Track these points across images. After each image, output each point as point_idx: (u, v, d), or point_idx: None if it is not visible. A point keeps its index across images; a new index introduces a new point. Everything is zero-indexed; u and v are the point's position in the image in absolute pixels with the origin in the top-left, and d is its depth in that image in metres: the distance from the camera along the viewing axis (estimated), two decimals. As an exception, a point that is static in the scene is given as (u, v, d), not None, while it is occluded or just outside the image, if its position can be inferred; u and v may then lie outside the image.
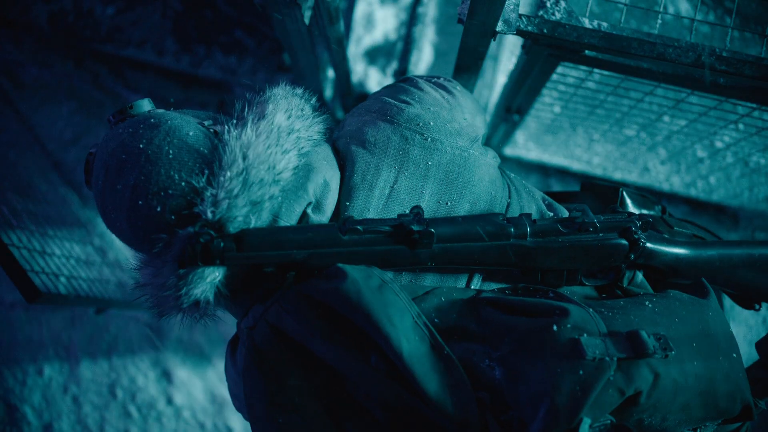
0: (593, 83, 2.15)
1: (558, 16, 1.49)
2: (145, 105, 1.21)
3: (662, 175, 2.91)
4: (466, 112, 1.37)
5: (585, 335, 1.02)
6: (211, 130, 1.16)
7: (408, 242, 1.13)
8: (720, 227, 3.04)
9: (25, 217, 2.53)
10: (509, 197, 1.31)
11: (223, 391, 3.02)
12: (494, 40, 1.56)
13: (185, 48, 3.13)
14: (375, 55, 3.11)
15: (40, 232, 2.52)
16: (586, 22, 1.49)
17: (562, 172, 3.02)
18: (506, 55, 2.94)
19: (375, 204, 1.23)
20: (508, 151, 2.95)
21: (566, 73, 2.04)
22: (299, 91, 1.33)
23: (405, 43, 2.80)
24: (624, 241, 1.24)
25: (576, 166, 2.96)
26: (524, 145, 2.96)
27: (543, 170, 3.03)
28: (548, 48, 1.62)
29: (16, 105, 3.15)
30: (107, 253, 3.03)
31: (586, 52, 1.58)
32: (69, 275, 2.39)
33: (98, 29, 3.16)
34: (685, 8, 3.03)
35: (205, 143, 1.13)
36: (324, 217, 1.21)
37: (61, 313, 3.08)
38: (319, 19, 1.82)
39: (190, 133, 1.13)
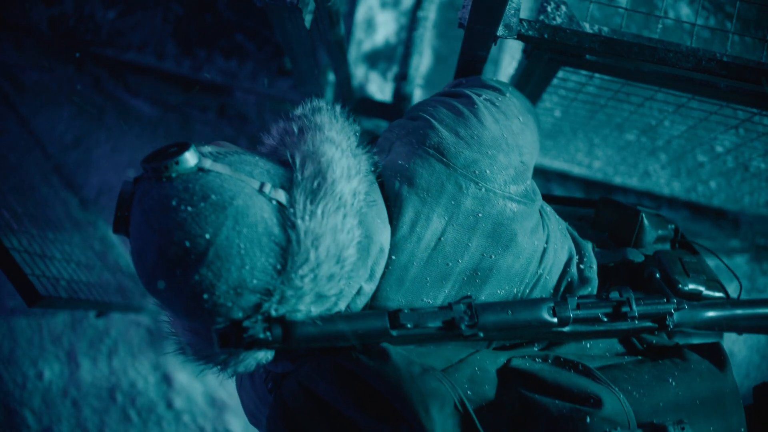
0: (594, 88, 2.15)
1: (559, 20, 1.49)
2: (191, 159, 1.00)
3: (663, 180, 2.91)
4: (525, 152, 1.29)
5: (618, 429, 1.05)
6: (274, 202, 1.02)
7: (456, 337, 1.12)
8: (720, 232, 3.04)
9: (26, 220, 2.53)
10: (546, 242, 1.28)
11: (223, 394, 3.02)
12: (495, 45, 1.56)
13: (186, 52, 3.13)
14: (376, 59, 3.11)
15: (40, 236, 2.52)
16: (587, 27, 1.49)
17: (563, 176, 3.02)
18: (507, 60, 2.94)
19: (420, 256, 1.18)
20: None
21: (567, 77, 2.04)
22: (343, 116, 1.23)
23: (405, 47, 2.80)
24: (655, 324, 1.25)
25: (576, 170, 2.96)
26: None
27: (543, 174, 3.03)
28: (549, 52, 1.62)
29: (17, 108, 3.16)
30: (107, 256, 3.03)
31: (587, 56, 1.58)
32: (69, 279, 2.39)
33: (99, 33, 3.16)
34: (685, 13, 3.03)
35: (274, 231, 1.00)
36: (374, 283, 1.15)
37: (61, 317, 3.07)
38: (320, 23, 1.82)
39: (259, 219, 0.99)
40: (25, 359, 3.06)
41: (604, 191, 3.03)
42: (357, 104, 2.79)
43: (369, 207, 1.12)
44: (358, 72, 3.10)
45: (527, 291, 1.27)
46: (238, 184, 1.00)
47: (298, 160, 1.08)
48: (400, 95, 2.70)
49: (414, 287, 1.19)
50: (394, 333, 1.08)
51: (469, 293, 1.21)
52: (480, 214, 1.19)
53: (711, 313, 1.32)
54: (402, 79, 2.71)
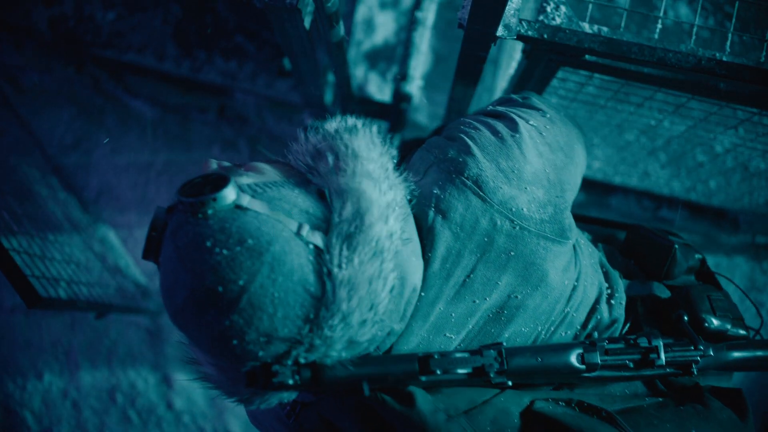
0: (593, 88, 2.15)
1: (558, 20, 1.49)
2: (230, 195, 0.96)
3: (662, 180, 2.91)
4: (567, 188, 1.24)
5: None
6: (311, 246, 0.98)
7: (484, 383, 1.11)
8: (720, 232, 3.04)
9: (26, 221, 2.53)
10: (576, 280, 1.26)
11: (223, 395, 3.02)
12: (494, 45, 1.57)
13: (186, 53, 3.14)
14: (375, 59, 3.11)
15: (40, 237, 2.52)
16: (587, 27, 1.49)
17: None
18: (506, 60, 2.94)
19: (447, 293, 1.15)
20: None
21: (566, 77, 2.04)
22: (381, 140, 1.16)
23: (405, 48, 2.80)
24: (680, 371, 1.26)
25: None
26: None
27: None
28: (548, 53, 1.62)
29: (17, 109, 3.16)
30: (107, 258, 3.03)
31: (587, 56, 1.58)
32: (69, 280, 2.39)
33: (99, 34, 3.16)
34: (684, 13, 3.04)
35: (309, 280, 0.96)
36: (404, 323, 1.12)
37: (60, 318, 3.08)
38: (319, 24, 1.83)
39: (296, 267, 0.95)
40: (24, 360, 3.06)
41: (603, 191, 3.03)
42: (357, 105, 2.79)
43: (405, 245, 1.08)
44: (358, 72, 3.10)
45: (552, 329, 1.25)
46: (276, 226, 0.96)
47: (335, 199, 1.04)
48: (400, 95, 2.70)
49: (438, 323, 1.16)
50: (423, 378, 1.07)
51: (492, 330, 1.20)
52: (512, 253, 1.16)
53: (735, 354, 1.32)
54: (401, 79, 2.71)
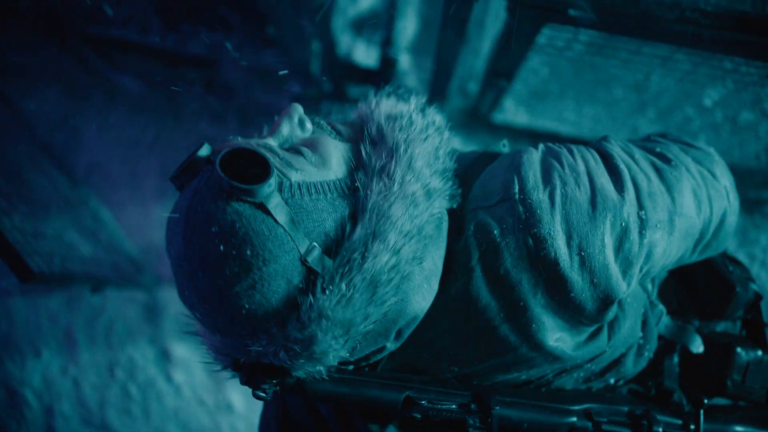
0: (581, 45, 2.14)
1: (540, -25, 1.49)
2: (265, 191, 0.91)
3: (652, 136, 2.90)
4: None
5: None
6: (306, 268, 0.95)
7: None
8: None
9: (16, 199, 2.52)
10: (606, 347, 1.21)
11: (222, 367, 3.03)
12: (477, 1, 1.56)
13: (170, 26, 3.10)
14: (361, 26, 3.09)
15: (31, 214, 2.51)
16: (569, -19, 1.48)
17: (553, 137, 3.01)
18: (492, 22, 2.93)
19: (459, 334, 1.12)
20: (498, 117, 2.94)
21: (553, 35, 2.04)
22: (445, 135, 1.12)
23: (389, 13, 2.78)
24: None
25: (566, 130, 2.95)
26: (514, 111, 2.95)
27: (533, 136, 3.03)
28: (533, 9, 1.61)
29: (2, 89, 3.13)
30: (100, 234, 3.02)
31: (570, 12, 1.58)
32: (62, 256, 2.38)
33: (81, 10, 3.13)
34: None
35: (291, 296, 0.94)
36: (400, 343, 1.07)
37: (57, 296, 3.08)
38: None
39: (281, 290, 0.92)
40: (23, 339, 3.07)
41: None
42: (343, 71, 2.77)
43: (418, 266, 1.01)
44: (344, 40, 3.08)
45: (563, 374, 1.24)
46: (285, 246, 0.92)
47: (359, 216, 0.99)
48: (386, 60, 2.69)
49: (440, 353, 1.14)
50: (405, 414, 1.08)
51: (497, 374, 1.18)
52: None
53: (738, 429, 1.32)
54: (387, 44, 2.69)
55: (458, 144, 2.84)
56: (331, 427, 1.22)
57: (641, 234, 1.06)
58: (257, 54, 3.06)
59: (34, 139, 3.09)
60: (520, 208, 1.04)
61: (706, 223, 1.16)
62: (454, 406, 1.09)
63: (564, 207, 1.04)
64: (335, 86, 2.79)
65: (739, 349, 1.35)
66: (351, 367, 1.11)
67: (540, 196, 1.04)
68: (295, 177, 0.97)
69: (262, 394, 1.00)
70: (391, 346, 1.06)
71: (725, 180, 1.23)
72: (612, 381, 1.31)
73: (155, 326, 3.06)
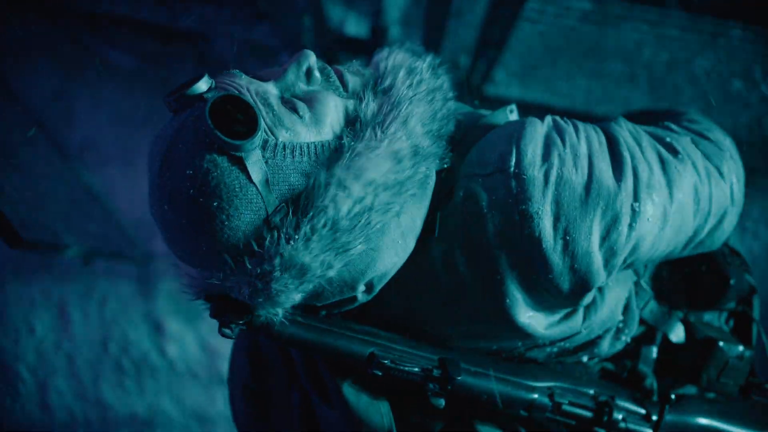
0: (573, 17, 2.14)
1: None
2: (248, 147, 0.90)
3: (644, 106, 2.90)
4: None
5: None
6: (270, 224, 0.94)
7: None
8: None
9: (8, 171, 2.51)
10: (581, 327, 1.21)
11: (215, 341, 3.04)
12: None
13: (162, 0, 3.10)
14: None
15: (23, 187, 2.51)
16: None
17: (545, 110, 3.00)
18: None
19: (433, 297, 1.13)
20: (491, 89, 2.94)
21: (543, 8, 2.03)
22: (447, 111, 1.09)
23: (380, -17, 2.78)
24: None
25: (558, 102, 2.95)
26: (506, 84, 2.94)
27: (525, 108, 3.02)
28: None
29: (-7, 66, 3.13)
30: (92, 209, 3.02)
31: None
32: (54, 227, 2.38)
33: (72, -16, 3.12)
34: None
35: (251, 241, 0.94)
36: (371, 295, 1.08)
37: (50, 272, 3.08)
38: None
39: (240, 239, 0.93)
40: (16, 315, 3.07)
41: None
42: (335, 43, 2.77)
43: (394, 221, 1.01)
44: (335, 12, 3.06)
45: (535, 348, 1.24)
46: (252, 204, 0.92)
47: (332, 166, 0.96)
48: (377, 30, 2.69)
49: (419, 310, 1.15)
50: (368, 370, 1.08)
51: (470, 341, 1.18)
52: None
53: (701, 420, 1.31)
54: (377, 13, 2.69)
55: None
56: (297, 368, 1.23)
57: (631, 226, 1.04)
58: (249, 28, 3.05)
59: (26, 114, 3.08)
60: (513, 183, 1.02)
61: (702, 221, 1.14)
62: (417, 369, 1.08)
63: (557, 188, 1.02)
64: (327, 59, 2.78)
65: (722, 344, 1.33)
66: (324, 312, 1.11)
67: (535, 173, 1.01)
68: (282, 136, 0.95)
69: (228, 332, 1.00)
70: (362, 297, 1.06)
71: (733, 177, 1.19)
72: (585, 359, 1.30)
73: (148, 301, 3.07)
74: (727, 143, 1.24)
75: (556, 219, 1.01)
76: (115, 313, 3.07)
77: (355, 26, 3.04)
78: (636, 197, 1.04)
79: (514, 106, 1.25)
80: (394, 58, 1.10)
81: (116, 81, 3.15)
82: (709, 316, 1.43)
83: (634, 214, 1.04)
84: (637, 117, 1.47)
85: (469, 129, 1.18)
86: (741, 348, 1.34)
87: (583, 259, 1.03)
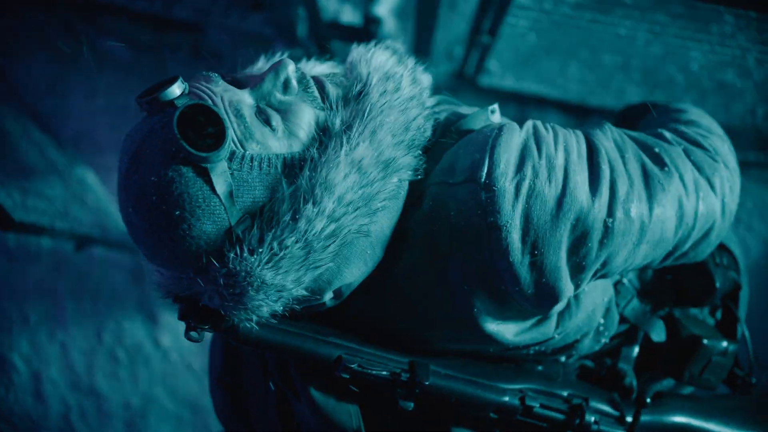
0: (567, 7, 2.15)
1: None
2: (214, 159, 0.89)
3: (638, 98, 2.91)
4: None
5: None
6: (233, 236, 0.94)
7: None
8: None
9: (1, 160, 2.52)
10: (555, 333, 1.19)
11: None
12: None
13: (157, -11, 3.10)
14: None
15: (17, 173, 2.51)
16: None
17: (539, 101, 3.01)
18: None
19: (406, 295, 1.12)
20: (485, 80, 2.95)
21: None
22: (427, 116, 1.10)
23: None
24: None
25: (552, 93, 2.96)
26: (500, 75, 2.95)
27: (519, 99, 3.02)
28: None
29: (-11, 54, 3.13)
30: (86, 198, 3.02)
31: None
32: (48, 213, 2.38)
33: (68, -25, 3.12)
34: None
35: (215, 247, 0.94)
36: (340, 300, 1.09)
37: (44, 261, 3.08)
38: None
39: (199, 249, 0.93)
40: (10, 305, 3.07)
41: (581, 114, 3.02)
42: (327, 30, 2.77)
43: (355, 241, 1.00)
44: (331, 6, 3.07)
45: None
46: (214, 217, 0.92)
47: (297, 179, 0.96)
48: (369, 18, 2.69)
49: (393, 311, 1.13)
50: (335, 373, 1.08)
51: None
52: None
53: (678, 419, 1.30)
54: (371, 1, 2.70)
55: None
56: (270, 366, 1.23)
57: (602, 243, 1.01)
58: (244, 18, 3.05)
59: (22, 104, 3.08)
60: (483, 194, 0.98)
61: (684, 236, 1.11)
62: (385, 373, 1.08)
63: (528, 201, 0.98)
64: (321, 49, 2.78)
65: (706, 342, 1.31)
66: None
67: (506, 184, 0.98)
68: (251, 149, 0.95)
69: (195, 335, 1.00)
70: (330, 303, 1.07)
71: (726, 189, 1.14)
72: (563, 359, 1.29)
73: (142, 291, 3.07)
74: (725, 149, 1.20)
75: (525, 232, 0.98)
76: (109, 303, 3.07)
77: (350, 15, 3.04)
78: (610, 213, 1.00)
79: (496, 107, 1.19)
80: (373, 60, 1.08)
81: (112, 71, 3.15)
82: (694, 310, 1.43)
83: (607, 230, 1.00)
84: (633, 115, 1.47)
85: (445, 130, 1.15)
86: (725, 344, 1.32)
87: (551, 273, 1.01)
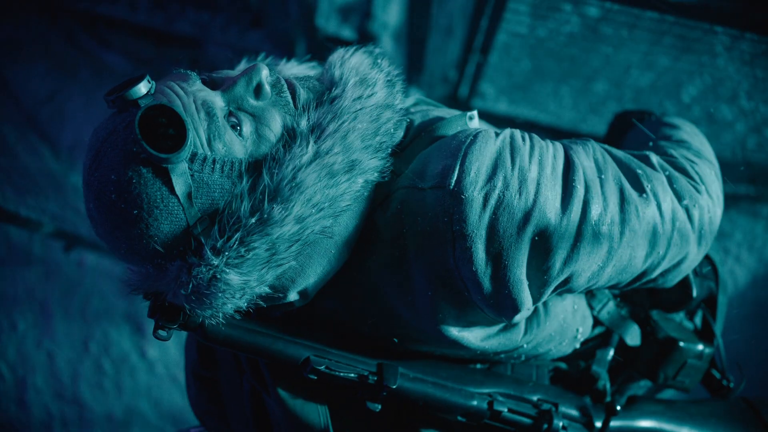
0: (563, 36, 2.17)
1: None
2: (174, 160, 0.89)
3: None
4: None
5: None
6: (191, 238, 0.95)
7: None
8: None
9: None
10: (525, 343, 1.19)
11: (196, 344, 3.04)
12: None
13: (158, 4, 3.14)
14: (347, 14, 3.11)
15: (13, 182, 2.52)
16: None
17: (531, 126, 3.03)
18: None
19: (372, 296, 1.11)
20: (479, 103, 2.97)
21: (534, 25, 2.06)
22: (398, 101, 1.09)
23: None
24: None
25: (545, 119, 2.98)
26: (494, 99, 2.98)
27: (512, 124, 3.04)
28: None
29: (-10, 63, 3.16)
30: (80, 206, 3.03)
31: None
32: (37, 207, 2.38)
33: (72, -13, 3.17)
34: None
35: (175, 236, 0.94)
36: (307, 300, 1.07)
37: (34, 268, 3.08)
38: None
39: (156, 250, 0.94)
40: (-1, 311, 3.08)
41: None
42: (323, 43, 2.80)
43: (318, 240, 1.00)
44: (330, 27, 3.09)
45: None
46: (172, 217, 0.93)
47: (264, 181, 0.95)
48: (364, 32, 2.72)
49: (363, 312, 1.12)
50: (303, 374, 1.08)
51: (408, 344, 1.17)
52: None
53: (649, 424, 1.31)
54: (366, 16, 2.72)
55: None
56: (243, 363, 1.23)
57: (566, 262, 1.00)
58: (243, 34, 3.09)
59: (20, 111, 3.11)
60: (450, 201, 0.96)
61: (653, 265, 1.09)
62: (352, 375, 1.08)
63: (495, 212, 0.96)
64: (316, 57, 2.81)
65: (682, 345, 1.30)
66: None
67: (474, 193, 0.96)
68: (217, 150, 0.94)
69: (163, 334, 1.00)
70: (299, 303, 1.07)
71: (705, 218, 1.12)
72: (535, 363, 1.29)
73: (131, 302, 3.07)
74: (711, 177, 1.17)
75: (490, 243, 0.97)
76: (98, 313, 3.07)
77: (348, 33, 3.07)
78: (579, 234, 0.99)
79: (475, 113, 1.16)
80: (350, 63, 1.07)
81: (111, 83, 3.16)
82: (672, 314, 1.42)
83: (572, 249, 0.99)
84: (626, 122, 1.47)
85: (419, 132, 1.14)
86: (701, 347, 1.32)
87: (513, 285, 1.00)
